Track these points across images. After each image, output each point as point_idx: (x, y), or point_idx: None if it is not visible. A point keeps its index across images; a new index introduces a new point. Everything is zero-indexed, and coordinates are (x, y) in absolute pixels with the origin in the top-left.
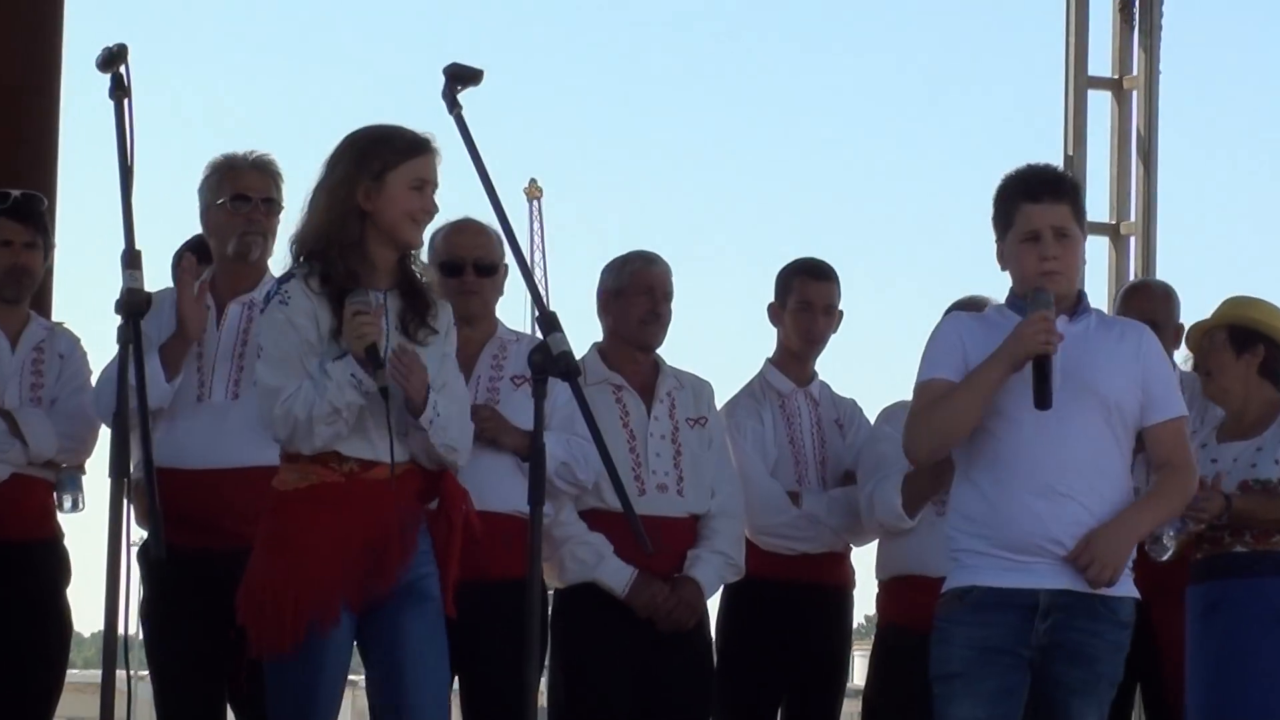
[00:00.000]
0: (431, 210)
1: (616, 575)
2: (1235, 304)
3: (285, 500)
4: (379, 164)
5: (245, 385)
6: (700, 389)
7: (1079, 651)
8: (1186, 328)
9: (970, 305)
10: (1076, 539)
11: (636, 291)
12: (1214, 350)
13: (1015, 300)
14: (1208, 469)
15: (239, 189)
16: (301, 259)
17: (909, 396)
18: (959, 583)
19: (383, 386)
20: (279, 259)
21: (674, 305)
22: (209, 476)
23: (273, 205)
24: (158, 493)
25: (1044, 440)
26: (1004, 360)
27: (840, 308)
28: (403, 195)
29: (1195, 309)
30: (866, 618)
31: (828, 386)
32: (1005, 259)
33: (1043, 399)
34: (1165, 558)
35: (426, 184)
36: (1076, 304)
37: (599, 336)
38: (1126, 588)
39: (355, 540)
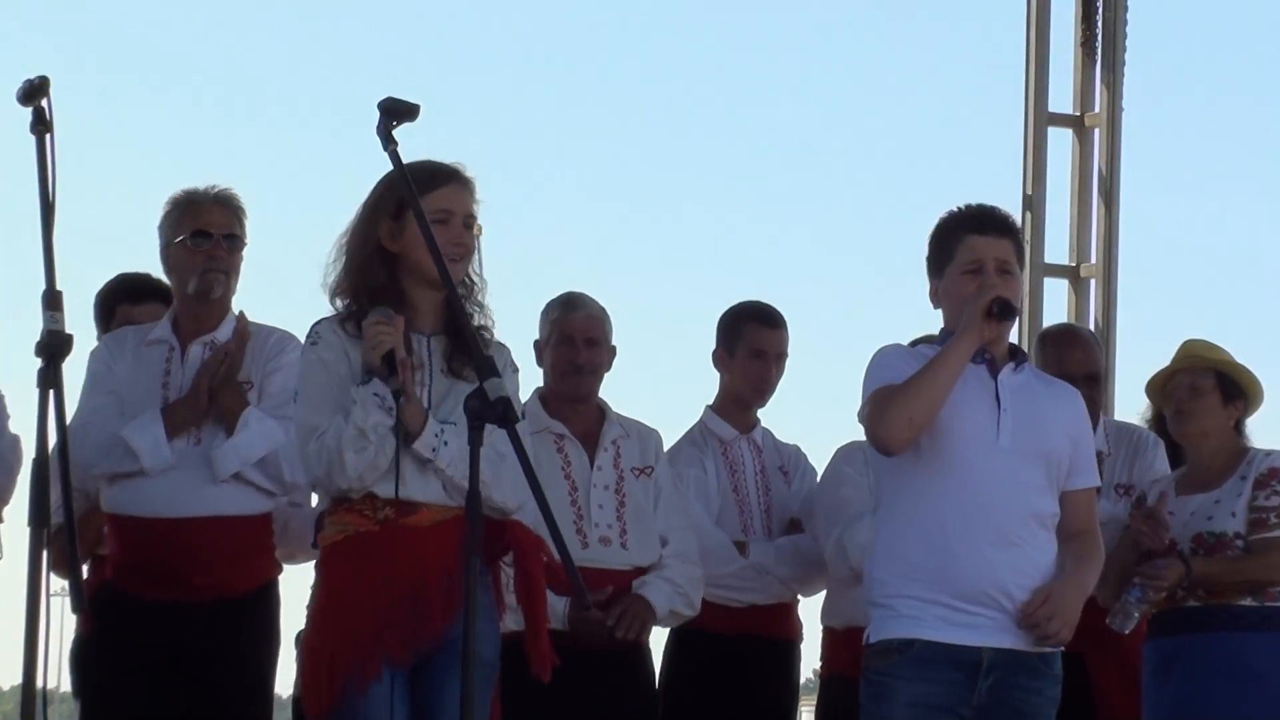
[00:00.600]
0: (462, 241)
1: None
2: (1212, 349)
3: (326, 555)
4: (398, 201)
5: (207, 431)
6: (647, 437)
7: (1020, 711)
8: (1152, 374)
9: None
10: (1024, 590)
11: (557, 341)
12: (1200, 394)
13: (948, 337)
14: (1168, 522)
15: (200, 225)
16: (337, 304)
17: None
18: (897, 634)
19: (396, 390)
20: (303, 304)
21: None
22: (167, 525)
23: (235, 241)
24: (79, 541)
25: (996, 486)
26: (968, 325)
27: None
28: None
29: (1157, 354)
30: (815, 672)
31: (770, 433)
32: (940, 295)
33: (1007, 310)
34: (1126, 630)
35: (453, 215)
36: (1014, 356)
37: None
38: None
39: (394, 590)
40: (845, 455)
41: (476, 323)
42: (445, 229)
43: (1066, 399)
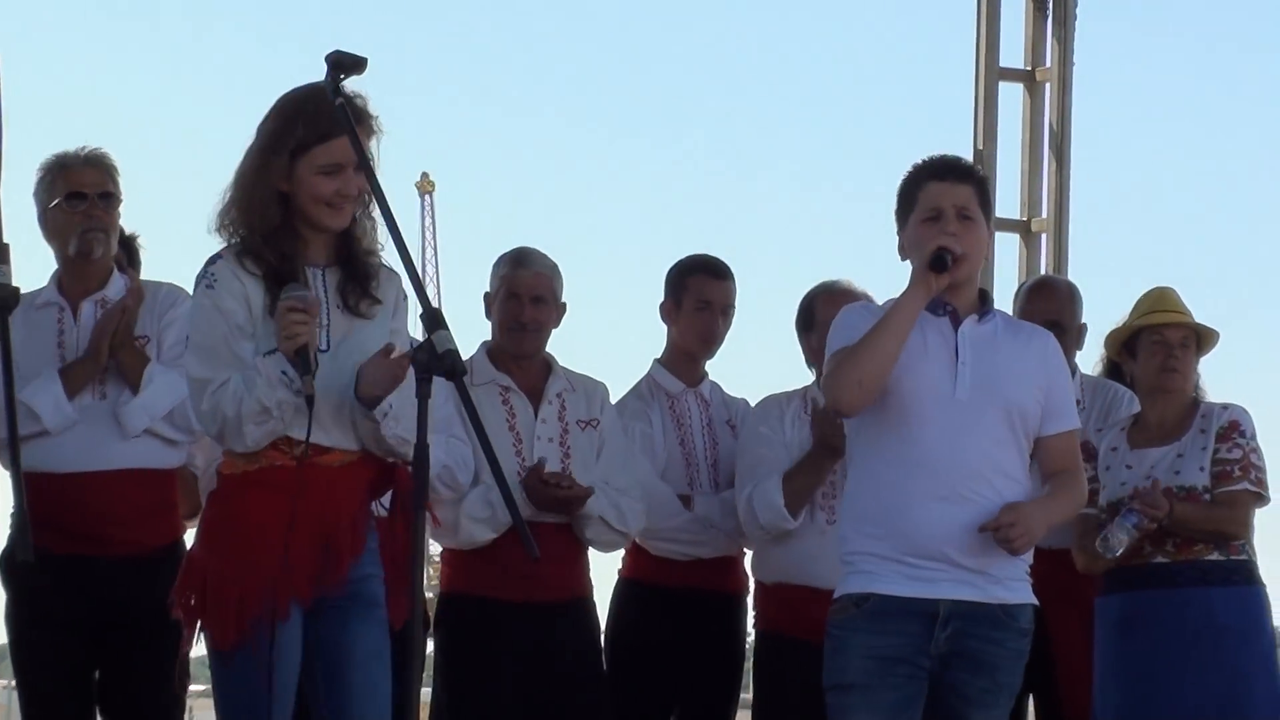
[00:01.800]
0: (349, 192)
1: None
2: (1178, 303)
3: (231, 484)
4: (291, 144)
5: (110, 385)
6: (593, 390)
7: (980, 661)
8: (1116, 326)
9: (836, 291)
10: (978, 548)
11: (504, 297)
12: (1189, 352)
13: None
14: (1122, 475)
15: (74, 187)
16: (231, 239)
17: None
18: (855, 589)
19: (308, 395)
20: (198, 237)
21: (569, 302)
22: (79, 480)
23: (111, 200)
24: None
25: (949, 442)
26: (915, 278)
27: (734, 305)
28: (314, 180)
29: (1107, 307)
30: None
31: (719, 387)
32: (906, 248)
33: (939, 263)
34: (1117, 554)
35: (343, 167)
36: (982, 304)
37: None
38: (1026, 594)
39: (307, 529)
40: (761, 413)
41: (365, 245)
42: (333, 180)
43: (1036, 345)
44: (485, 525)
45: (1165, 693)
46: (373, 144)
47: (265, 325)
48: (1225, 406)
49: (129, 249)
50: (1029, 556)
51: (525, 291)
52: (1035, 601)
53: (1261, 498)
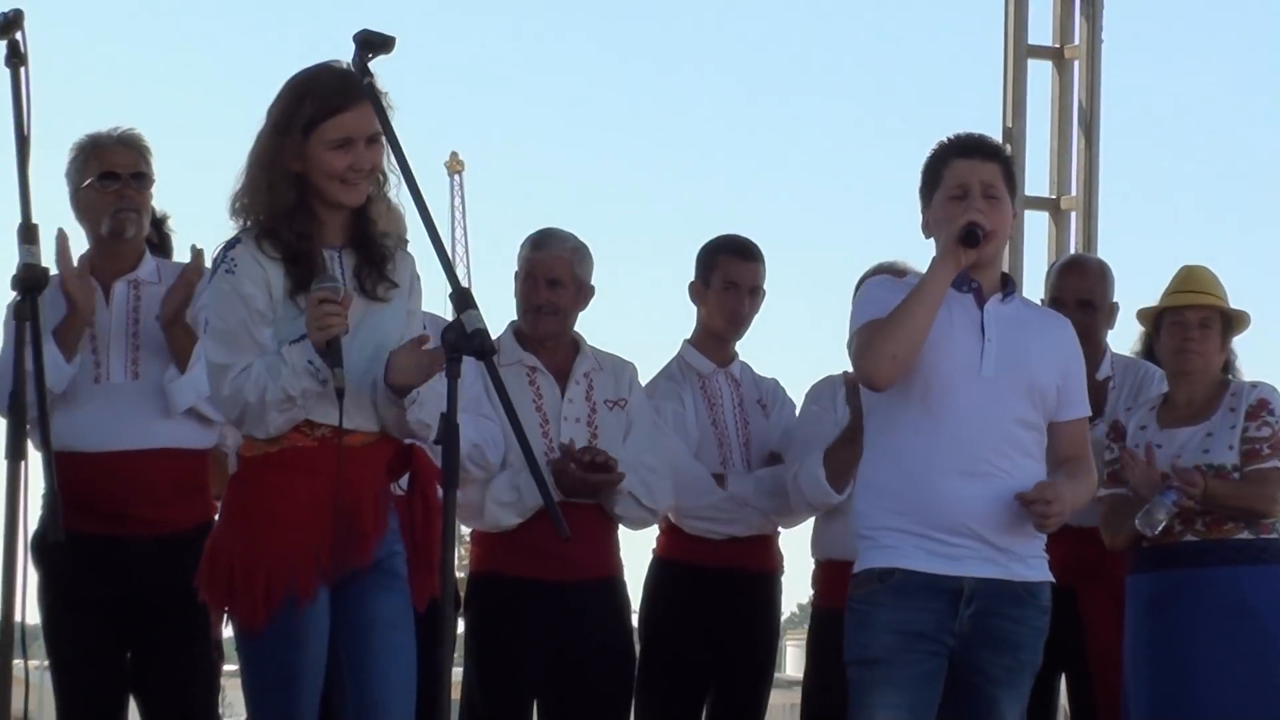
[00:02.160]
0: (362, 166)
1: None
2: (1215, 283)
3: (253, 466)
4: (301, 122)
5: (144, 365)
6: (621, 370)
7: (1004, 639)
8: (1145, 306)
9: (888, 270)
10: (1001, 524)
11: (523, 279)
12: (1211, 333)
13: None
14: (1153, 453)
15: (106, 167)
16: (248, 222)
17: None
18: (877, 563)
19: (339, 387)
20: (217, 222)
21: (598, 284)
22: (109, 460)
23: (144, 180)
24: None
25: (975, 418)
26: (944, 253)
27: (764, 287)
28: (326, 156)
29: (1137, 285)
30: (800, 606)
31: (749, 367)
32: (931, 225)
33: (971, 238)
34: (1158, 530)
35: (355, 141)
36: (1004, 286)
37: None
38: (1045, 572)
39: (328, 508)
40: (814, 392)
41: (380, 228)
42: (345, 154)
43: (1056, 329)
44: (511, 510)
45: (1194, 671)
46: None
47: (286, 309)
48: (1254, 385)
49: (160, 230)
50: (1044, 534)
51: (541, 274)
52: (1053, 579)
53: None
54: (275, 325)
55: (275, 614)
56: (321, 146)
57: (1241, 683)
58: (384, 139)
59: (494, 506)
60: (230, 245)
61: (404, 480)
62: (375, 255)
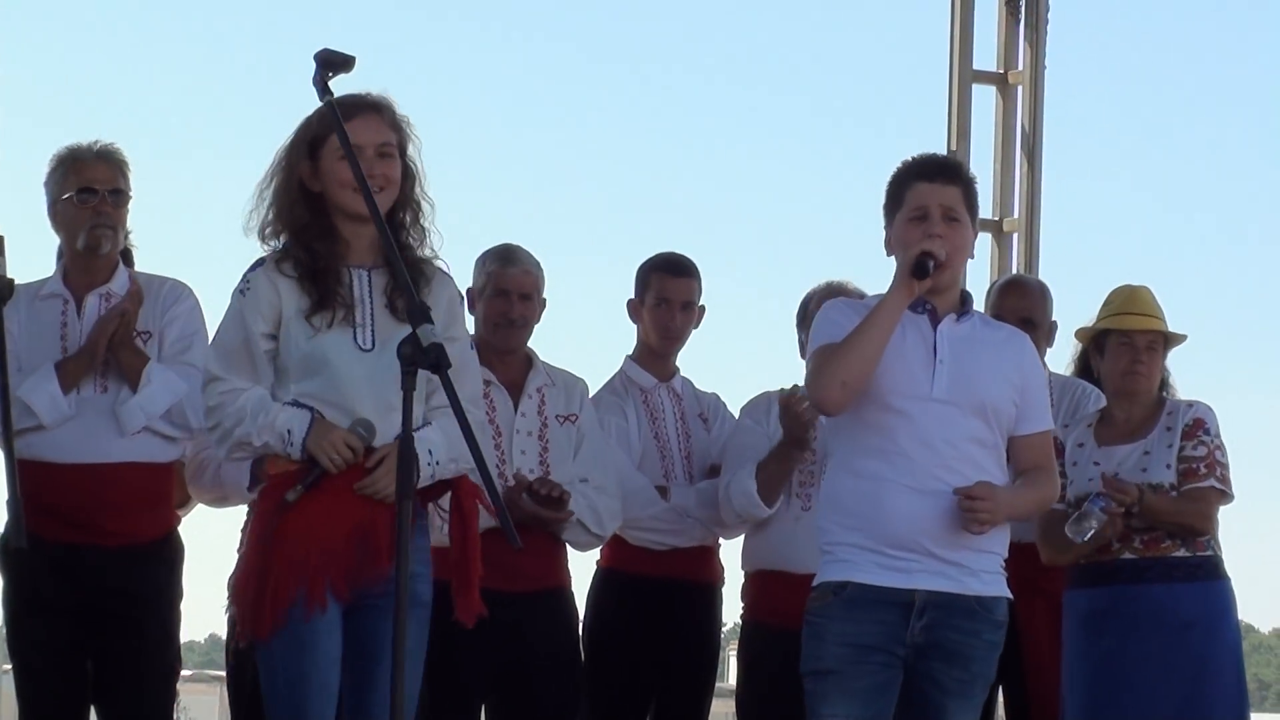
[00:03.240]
0: (375, 173)
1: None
2: (1157, 305)
3: (274, 483)
4: (311, 141)
5: (113, 379)
6: (573, 386)
7: (956, 652)
8: (1083, 325)
9: (838, 290)
10: (955, 540)
11: (492, 293)
12: (1156, 355)
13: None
14: (1090, 471)
15: (84, 181)
16: (270, 242)
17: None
18: (833, 577)
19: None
20: (228, 247)
21: (551, 298)
22: (77, 471)
23: (120, 196)
24: (19, 483)
25: (926, 437)
26: (898, 280)
27: (702, 303)
28: (336, 167)
29: (1077, 306)
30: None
31: (690, 382)
32: (892, 245)
33: (920, 270)
34: (1086, 538)
35: (362, 148)
36: (961, 305)
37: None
38: (1000, 587)
39: (343, 524)
40: (750, 407)
41: (418, 254)
42: (350, 163)
43: (1014, 346)
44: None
45: (1130, 687)
46: (412, 150)
47: (299, 326)
48: (1190, 404)
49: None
50: (1003, 550)
51: (514, 288)
52: (1009, 595)
53: (1226, 494)
54: (283, 343)
55: (281, 622)
56: (332, 158)
57: (1177, 697)
58: (402, 154)
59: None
60: (253, 267)
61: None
62: (408, 278)
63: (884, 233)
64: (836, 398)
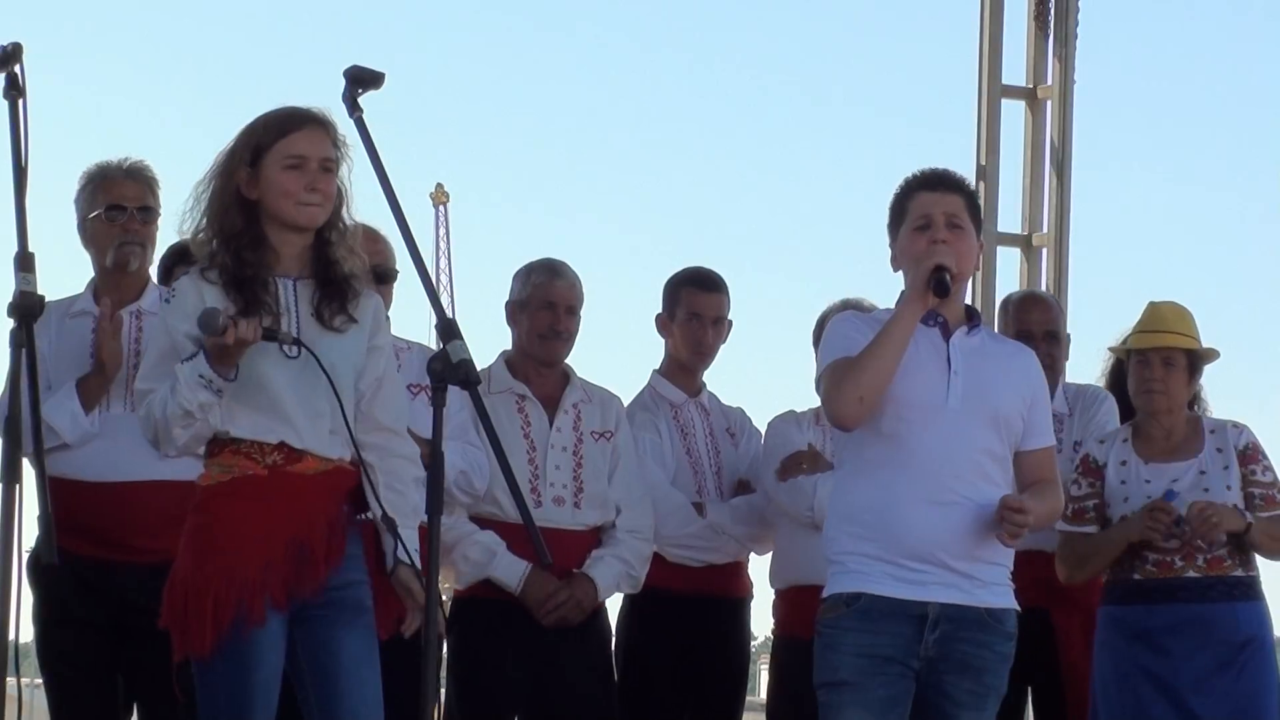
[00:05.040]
0: (318, 186)
1: (510, 570)
2: (1182, 320)
3: (207, 496)
4: (254, 148)
5: None
6: (609, 403)
7: (968, 664)
8: (1129, 337)
9: (854, 307)
10: (969, 553)
11: (538, 306)
12: (1176, 371)
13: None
14: (1140, 488)
15: (113, 199)
16: (201, 247)
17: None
18: (845, 588)
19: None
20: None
21: (583, 313)
22: (109, 489)
23: (149, 213)
24: (50, 500)
25: (941, 448)
26: (911, 294)
27: (730, 318)
28: (279, 177)
29: (1106, 321)
30: (772, 631)
31: (716, 396)
32: (898, 258)
33: (941, 288)
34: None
35: (307, 159)
36: (969, 319)
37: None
38: (1010, 599)
39: (279, 535)
40: (781, 420)
41: (346, 269)
42: (300, 174)
43: (1021, 360)
44: (472, 566)
45: (1183, 701)
46: (344, 170)
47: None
48: (1236, 426)
49: None
50: (1009, 562)
51: (561, 301)
52: (1018, 606)
53: None
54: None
55: (223, 639)
56: (275, 167)
57: (1230, 711)
58: (338, 171)
59: (461, 560)
60: (178, 279)
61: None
62: (336, 288)
63: (890, 250)
64: (855, 413)
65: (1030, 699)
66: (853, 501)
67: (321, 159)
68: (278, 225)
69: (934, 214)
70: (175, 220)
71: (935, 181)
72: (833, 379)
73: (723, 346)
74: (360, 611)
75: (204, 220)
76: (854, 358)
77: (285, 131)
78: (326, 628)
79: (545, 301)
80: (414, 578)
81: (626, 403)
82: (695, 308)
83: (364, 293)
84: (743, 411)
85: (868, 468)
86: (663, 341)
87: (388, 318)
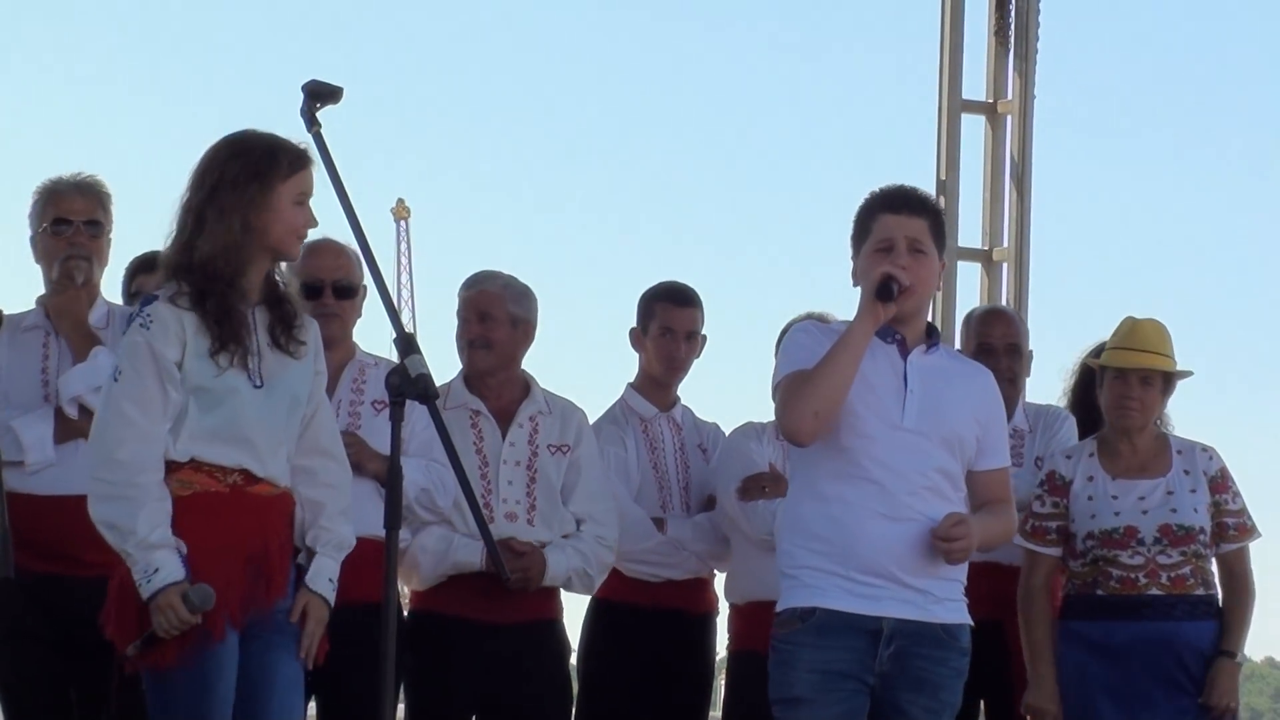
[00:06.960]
0: (313, 223)
1: (469, 550)
2: (1162, 340)
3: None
4: (266, 179)
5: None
6: (570, 415)
7: (924, 679)
8: (1083, 354)
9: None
10: (922, 568)
11: (462, 316)
12: (1152, 391)
13: None
14: (1107, 504)
15: (60, 213)
16: (172, 279)
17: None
18: (800, 603)
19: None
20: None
21: (544, 326)
22: (59, 503)
23: (97, 227)
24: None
25: (895, 465)
26: (863, 308)
27: (703, 333)
28: (290, 212)
29: (1067, 336)
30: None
31: (690, 411)
32: (858, 274)
33: (884, 292)
34: None
35: (307, 197)
36: (928, 337)
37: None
38: (964, 615)
39: (238, 553)
40: (741, 432)
41: (288, 291)
42: (302, 210)
43: (978, 380)
44: (433, 558)
45: (1143, 715)
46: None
47: (200, 364)
48: (1204, 449)
49: None
50: (963, 578)
51: (471, 309)
52: (971, 622)
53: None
54: (185, 378)
55: (186, 653)
56: (288, 200)
57: None
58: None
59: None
60: (147, 301)
61: None
62: (286, 313)
63: (851, 264)
64: (809, 429)
65: (983, 711)
66: (806, 515)
67: (308, 195)
68: (268, 254)
69: (896, 237)
70: (140, 232)
71: (900, 203)
72: (787, 393)
73: (698, 361)
74: (296, 636)
75: (207, 247)
76: (808, 372)
77: (299, 167)
78: (264, 650)
79: (458, 311)
80: (320, 606)
81: (596, 415)
82: (668, 322)
83: (305, 316)
84: (717, 427)
85: (822, 481)
86: (636, 356)
87: (321, 343)
